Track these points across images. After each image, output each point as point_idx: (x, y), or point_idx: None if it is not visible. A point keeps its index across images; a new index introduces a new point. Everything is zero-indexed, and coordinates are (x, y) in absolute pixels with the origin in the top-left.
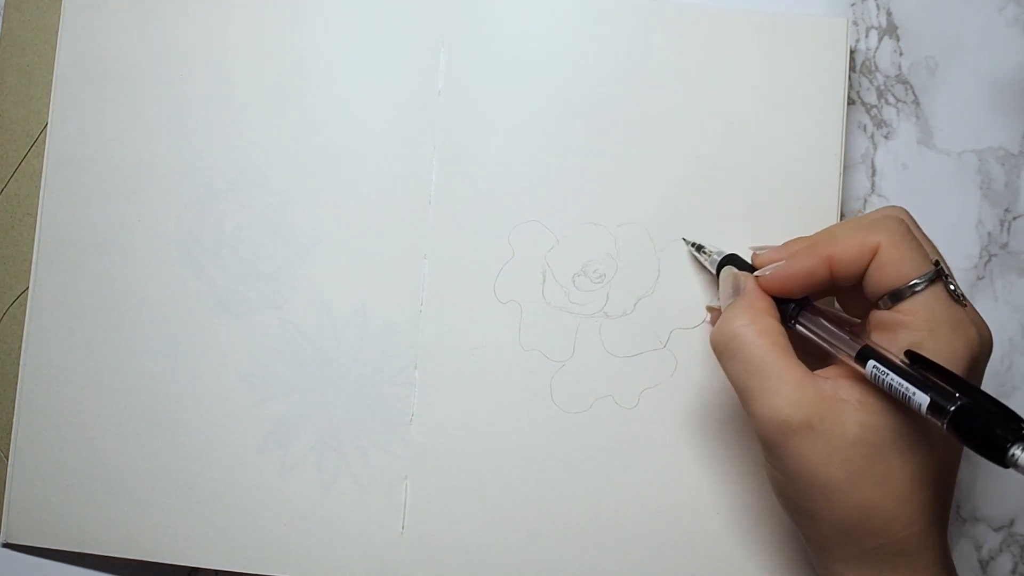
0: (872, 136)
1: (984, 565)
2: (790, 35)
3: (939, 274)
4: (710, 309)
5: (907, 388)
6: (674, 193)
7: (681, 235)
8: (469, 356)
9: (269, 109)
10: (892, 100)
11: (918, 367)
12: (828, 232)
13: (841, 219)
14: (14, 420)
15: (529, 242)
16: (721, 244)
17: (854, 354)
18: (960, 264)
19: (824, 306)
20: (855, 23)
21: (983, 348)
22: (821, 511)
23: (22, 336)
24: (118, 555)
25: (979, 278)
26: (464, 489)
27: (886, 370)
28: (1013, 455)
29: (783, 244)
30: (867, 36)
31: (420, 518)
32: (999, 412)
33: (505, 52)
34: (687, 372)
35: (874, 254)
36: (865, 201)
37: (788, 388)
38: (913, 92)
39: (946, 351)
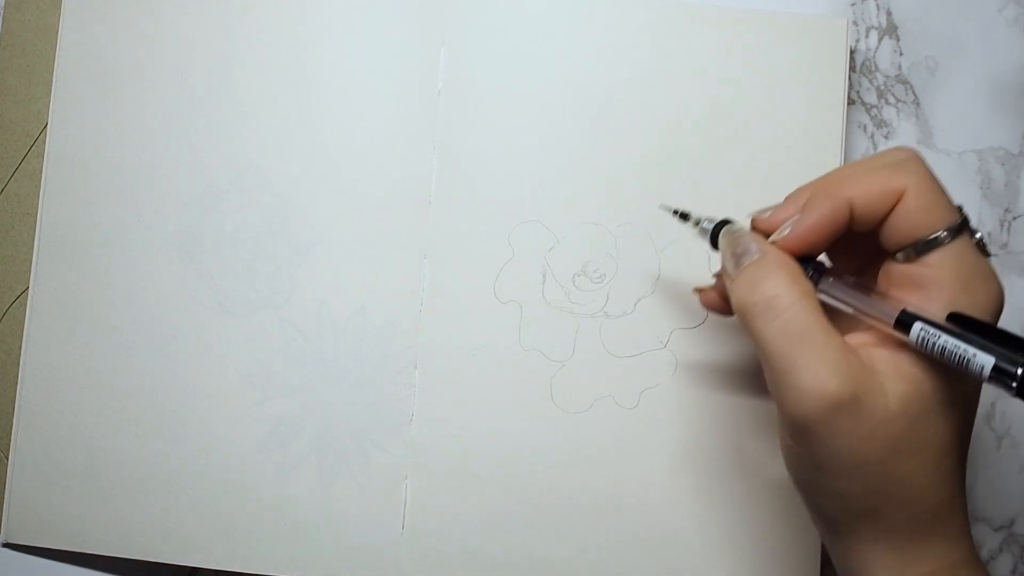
0: (872, 136)
1: (984, 565)
2: (790, 35)
3: (966, 222)
4: (699, 290)
5: (965, 350)
6: (674, 193)
7: (666, 204)
8: (469, 356)
9: (269, 109)
10: (892, 100)
11: (965, 329)
12: (840, 173)
13: None
14: (14, 420)
15: (529, 242)
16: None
17: (892, 320)
18: None
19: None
20: (855, 23)
21: (1003, 300)
22: (853, 490)
23: (22, 336)
24: (118, 555)
25: None
26: (464, 489)
27: (937, 332)
28: None
29: (786, 200)
30: (867, 36)
31: (420, 518)
32: None
33: (505, 52)
34: (687, 372)
35: (898, 198)
36: None
37: (837, 356)
38: (913, 92)
39: (981, 307)
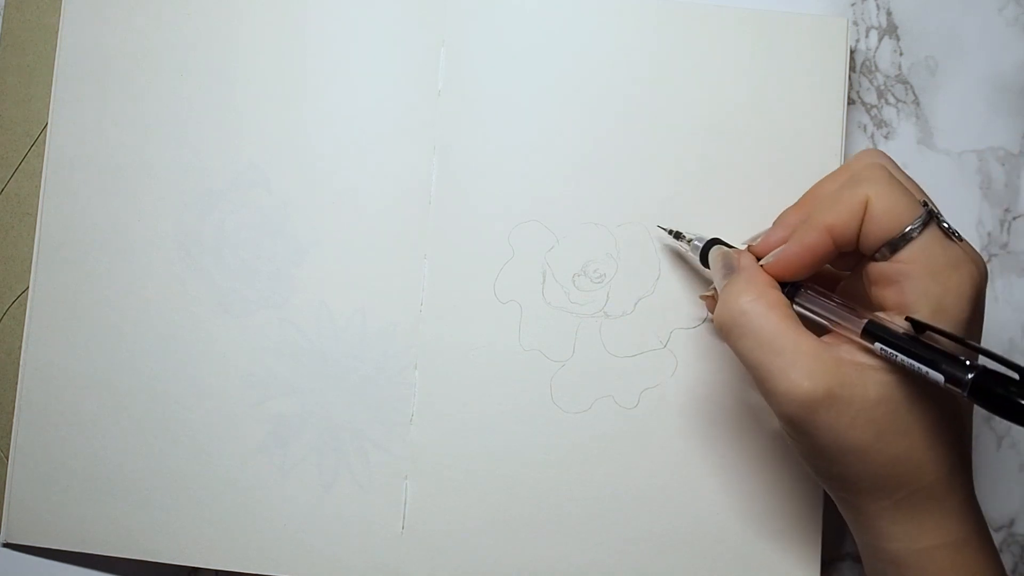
0: (872, 136)
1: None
2: (790, 35)
3: (931, 214)
4: (704, 297)
5: (919, 368)
6: (674, 193)
7: (661, 225)
8: (469, 356)
9: (269, 109)
10: (892, 100)
11: (927, 333)
12: (813, 197)
13: None
14: (14, 420)
15: (529, 242)
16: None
17: (859, 331)
18: None
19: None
20: (855, 23)
21: (983, 279)
22: (852, 473)
23: (22, 336)
24: (118, 555)
25: None
26: (464, 489)
27: (894, 352)
28: None
29: (774, 225)
30: (867, 36)
31: (420, 518)
32: (1014, 371)
33: (505, 52)
34: (687, 372)
35: (865, 208)
36: None
37: (805, 360)
38: (913, 92)
39: (953, 293)
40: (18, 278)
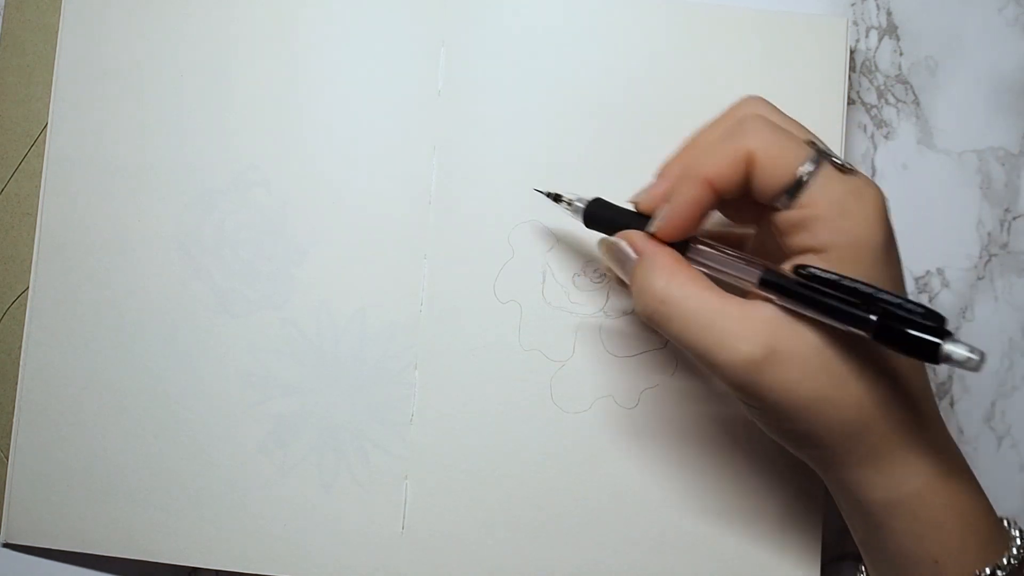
0: (872, 136)
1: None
2: (790, 35)
3: (820, 153)
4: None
5: (822, 319)
6: None
7: (538, 188)
8: (469, 356)
9: (269, 109)
10: (892, 100)
11: (825, 274)
12: (693, 147)
13: None
14: (14, 420)
15: (529, 242)
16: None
17: (756, 282)
18: (960, 264)
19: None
20: (855, 23)
21: (884, 200)
22: (815, 427)
23: (22, 336)
24: (118, 555)
25: (979, 278)
26: (464, 489)
27: (795, 303)
28: (945, 352)
29: (657, 177)
30: (867, 36)
31: (420, 518)
32: (917, 311)
33: (505, 52)
34: (687, 372)
35: (748, 161)
36: None
37: (736, 325)
38: (913, 92)
39: (863, 222)
40: (18, 278)
